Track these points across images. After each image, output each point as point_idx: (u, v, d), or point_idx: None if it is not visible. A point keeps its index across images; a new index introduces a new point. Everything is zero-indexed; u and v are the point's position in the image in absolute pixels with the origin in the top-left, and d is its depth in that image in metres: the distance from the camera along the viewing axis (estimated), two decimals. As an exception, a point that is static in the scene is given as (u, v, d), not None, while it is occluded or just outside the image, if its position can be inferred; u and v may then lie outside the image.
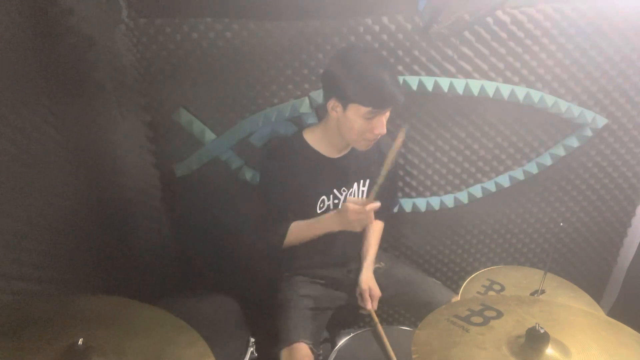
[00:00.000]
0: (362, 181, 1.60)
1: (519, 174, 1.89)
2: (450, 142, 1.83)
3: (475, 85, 1.68)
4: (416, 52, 1.64)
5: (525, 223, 2.05)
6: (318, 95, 1.65)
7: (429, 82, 1.66)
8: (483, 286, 1.59)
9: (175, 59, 1.58)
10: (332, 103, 1.40)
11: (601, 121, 1.80)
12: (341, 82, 1.35)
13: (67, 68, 1.49)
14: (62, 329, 0.98)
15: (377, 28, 1.59)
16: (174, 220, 1.91)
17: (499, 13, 1.60)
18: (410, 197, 1.94)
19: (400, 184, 1.90)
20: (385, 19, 1.58)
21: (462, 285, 1.59)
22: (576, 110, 1.76)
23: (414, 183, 1.91)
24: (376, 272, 1.70)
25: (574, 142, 1.83)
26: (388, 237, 2.00)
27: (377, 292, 1.63)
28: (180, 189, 1.83)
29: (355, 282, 1.66)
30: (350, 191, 1.59)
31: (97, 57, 1.53)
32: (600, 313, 1.53)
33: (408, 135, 1.80)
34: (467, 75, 1.69)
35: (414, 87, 1.66)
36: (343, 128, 1.43)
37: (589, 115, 1.77)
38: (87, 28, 1.48)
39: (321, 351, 1.54)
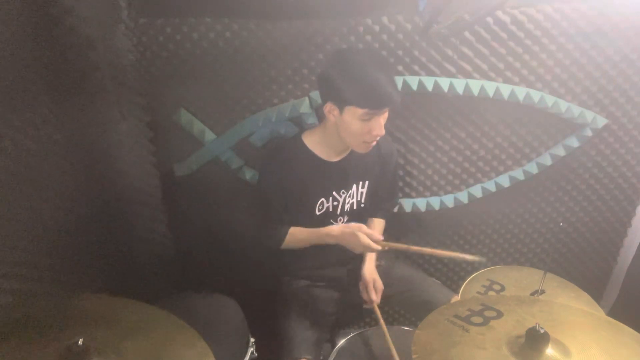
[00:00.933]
0: (361, 183, 1.61)
1: (519, 174, 1.89)
2: (450, 142, 1.83)
3: (475, 85, 1.68)
4: (416, 52, 1.64)
5: (525, 223, 2.05)
6: (318, 95, 1.65)
7: (429, 82, 1.66)
8: (483, 286, 1.59)
9: (175, 59, 1.58)
10: (328, 107, 1.40)
11: (601, 121, 1.80)
12: (335, 85, 1.35)
13: (67, 68, 1.49)
14: (62, 329, 0.97)
15: (377, 28, 1.59)
16: (174, 220, 1.91)
17: (499, 13, 1.60)
18: (410, 197, 1.94)
19: (400, 184, 1.90)
20: (385, 19, 1.58)
21: (462, 285, 1.60)
22: (576, 110, 1.76)
23: (414, 183, 1.91)
24: (376, 270, 1.70)
25: (574, 142, 1.83)
26: (388, 237, 1.99)
27: (380, 285, 1.63)
28: (180, 189, 1.83)
29: (355, 281, 1.65)
30: (349, 193, 1.59)
31: (97, 57, 1.53)
32: (600, 313, 1.53)
33: (408, 135, 1.80)
34: (467, 75, 1.69)
35: (414, 87, 1.66)
36: (341, 131, 1.43)
37: (589, 115, 1.77)
38: (87, 28, 1.48)
39: (321, 357, 1.54)
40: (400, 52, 1.63)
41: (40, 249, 1.35)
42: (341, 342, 1.53)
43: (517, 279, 1.63)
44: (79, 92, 1.54)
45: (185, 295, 1.68)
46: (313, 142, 1.53)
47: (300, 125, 1.72)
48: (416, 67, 1.66)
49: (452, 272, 2.16)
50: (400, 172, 1.87)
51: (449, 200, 1.93)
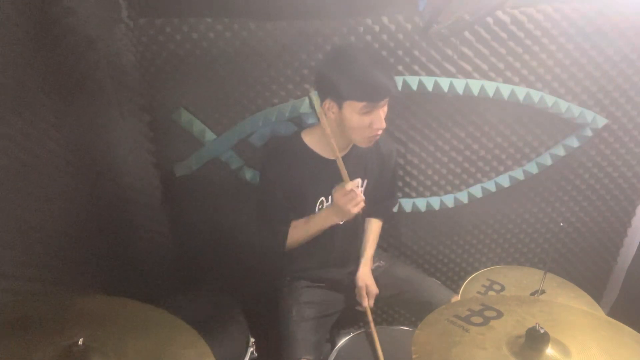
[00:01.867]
0: (360, 181, 1.60)
1: (519, 174, 1.89)
2: (450, 142, 1.83)
3: (475, 85, 1.68)
4: (416, 52, 1.64)
5: (525, 223, 2.05)
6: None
7: (429, 82, 1.66)
8: (483, 286, 1.59)
9: (175, 59, 1.58)
10: (327, 104, 1.40)
11: (601, 121, 1.80)
12: (332, 81, 1.35)
13: (67, 68, 1.49)
14: (62, 329, 0.97)
15: (377, 28, 1.59)
16: (174, 220, 1.91)
17: (499, 13, 1.60)
18: (410, 197, 1.94)
19: (400, 184, 1.90)
20: (385, 19, 1.58)
21: (462, 285, 1.60)
22: (576, 110, 1.76)
23: (414, 183, 1.91)
24: (376, 271, 1.70)
25: (574, 142, 1.83)
26: (388, 237, 2.00)
27: (374, 290, 1.63)
28: (180, 189, 1.83)
29: (355, 283, 1.65)
30: None
31: (97, 57, 1.53)
32: (600, 313, 1.53)
33: (408, 135, 1.81)
34: (467, 75, 1.69)
35: (414, 87, 1.66)
36: (342, 128, 1.43)
37: (589, 115, 1.77)
38: (87, 28, 1.48)
39: (322, 357, 1.54)
40: (400, 52, 1.63)
41: (40, 249, 1.35)
42: (341, 342, 1.53)
43: (517, 279, 1.63)
44: (79, 92, 1.54)
45: (185, 295, 1.68)
46: (312, 140, 1.53)
47: (300, 125, 1.72)
48: (416, 67, 1.66)
49: (452, 272, 2.16)
50: (400, 172, 1.87)
51: (449, 200, 1.93)
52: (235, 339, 1.49)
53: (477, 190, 1.92)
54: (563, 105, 1.74)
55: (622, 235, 2.11)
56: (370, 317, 1.56)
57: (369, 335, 1.53)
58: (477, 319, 1.07)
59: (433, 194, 1.94)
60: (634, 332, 1.05)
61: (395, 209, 1.90)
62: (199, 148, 1.74)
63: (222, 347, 1.25)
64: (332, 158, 1.54)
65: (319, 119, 1.42)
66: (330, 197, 1.57)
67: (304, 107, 1.67)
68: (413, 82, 1.65)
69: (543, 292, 1.52)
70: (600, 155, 1.89)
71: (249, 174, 1.80)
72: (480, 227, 2.04)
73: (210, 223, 1.88)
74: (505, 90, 1.69)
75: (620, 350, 1.00)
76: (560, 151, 1.85)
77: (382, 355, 1.42)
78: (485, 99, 1.72)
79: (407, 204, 1.92)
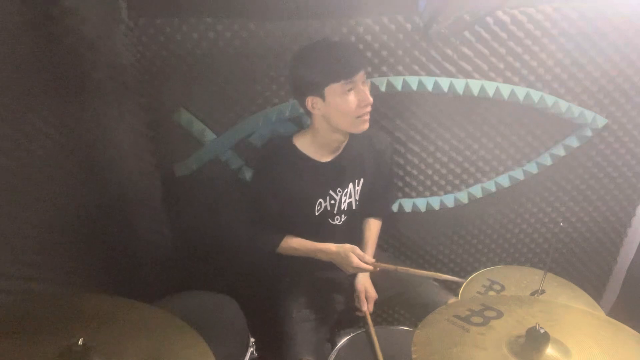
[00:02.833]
0: (356, 181, 1.61)
1: (519, 174, 1.89)
2: (450, 142, 1.83)
3: (475, 85, 1.68)
4: (416, 52, 1.64)
5: (525, 223, 2.05)
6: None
7: (429, 82, 1.66)
8: (483, 286, 1.59)
9: (175, 59, 1.58)
10: (309, 102, 1.41)
11: (601, 121, 1.80)
12: (304, 77, 1.38)
13: (67, 68, 1.49)
14: (62, 329, 0.97)
15: (377, 28, 1.59)
16: (174, 220, 1.91)
17: (499, 13, 1.60)
18: (410, 197, 1.94)
19: (400, 184, 1.90)
20: (385, 19, 1.58)
21: (462, 285, 1.59)
22: (576, 110, 1.76)
23: (414, 183, 1.91)
24: (375, 273, 1.69)
25: (574, 142, 1.83)
26: (388, 237, 2.00)
27: (372, 294, 1.63)
28: (180, 189, 1.83)
29: (354, 285, 1.65)
30: (345, 191, 1.59)
31: (97, 57, 1.53)
32: (600, 313, 1.53)
33: (408, 135, 1.81)
34: (467, 75, 1.69)
35: (414, 87, 1.66)
36: (333, 118, 1.42)
37: (589, 115, 1.77)
38: (87, 28, 1.48)
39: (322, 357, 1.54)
40: (400, 52, 1.63)
41: (40, 249, 1.35)
42: (341, 342, 1.53)
43: (517, 279, 1.63)
44: (79, 92, 1.54)
45: (185, 295, 1.68)
46: (304, 143, 1.53)
47: (300, 125, 1.72)
48: (416, 67, 1.66)
49: (452, 272, 2.16)
50: (400, 172, 1.87)
51: (449, 200, 1.93)
52: (235, 339, 1.49)
53: (477, 190, 1.92)
54: (563, 105, 1.74)
55: (622, 235, 2.11)
56: (369, 322, 1.56)
57: (369, 336, 1.53)
58: (477, 319, 1.07)
59: (433, 194, 1.94)
60: (634, 332, 1.05)
61: (395, 209, 1.90)
62: (199, 148, 1.74)
63: (222, 347, 1.25)
64: (325, 160, 1.54)
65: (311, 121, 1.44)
66: (327, 197, 1.57)
67: (304, 107, 1.67)
68: (413, 82, 1.65)
69: (543, 292, 1.51)
70: (600, 155, 1.89)
71: (249, 174, 1.80)
72: (480, 227, 2.04)
73: (210, 223, 1.88)
74: (505, 90, 1.69)
75: (620, 350, 1.00)
76: (560, 151, 1.85)
77: (381, 358, 1.42)
78: (485, 99, 1.72)
79: (407, 204, 1.92)
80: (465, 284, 1.58)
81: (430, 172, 1.89)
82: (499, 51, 1.66)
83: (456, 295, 1.61)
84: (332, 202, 1.58)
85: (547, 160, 1.87)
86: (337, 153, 1.55)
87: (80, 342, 0.89)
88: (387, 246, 2.03)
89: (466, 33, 1.63)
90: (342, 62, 1.36)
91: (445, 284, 2.06)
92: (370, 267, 1.50)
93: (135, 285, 1.88)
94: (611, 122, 1.82)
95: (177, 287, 1.95)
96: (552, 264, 2.12)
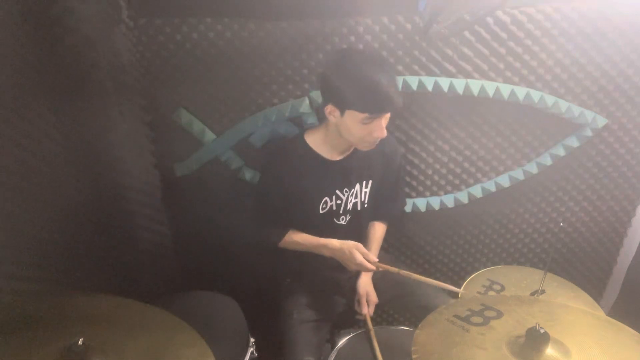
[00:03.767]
0: (364, 182, 1.60)
1: (519, 174, 1.89)
2: (450, 142, 1.83)
3: (475, 85, 1.68)
4: (416, 52, 1.64)
5: (525, 223, 2.05)
6: (318, 95, 1.65)
7: (429, 82, 1.66)
8: (483, 286, 1.59)
9: (175, 59, 1.58)
10: (329, 108, 1.40)
11: (601, 121, 1.80)
12: (336, 88, 1.35)
13: (67, 68, 1.49)
14: (62, 329, 0.98)
15: (377, 28, 1.59)
16: (174, 220, 1.91)
17: (499, 13, 1.60)
18: (410, 197, 1.93)
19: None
20: (385, 19, 1.58)
21: (462, 286, 1.59)
22: (576, 110, 1.76)
23: (414, 183, 1.91)
24: (375, 275, 1.69)
25: (574, 142, 1.83)
26: (388, 237, 1.99)
27: (373, 298, 1.62)
28: (180, 189, 1.83)
29: (355, 287, 1.65)
30: (352, 192, 1.59)
31: (97, 57, 1.53)
32: (600, 313, 1.53)
33: (408, 135, 1.80)
34: (467, 75, 1.69)
35: (414, 87, 1.66)
36: (343, 132, 1.43)
37: (589, 115, 1.77)
38: (87, 28, 1.48)
39: (322, 357, 1.54)
40: (400, 52, 1.63)
41: (40, 249, 1.35)
42: (341, 342, 1.53)
43: (517, 279, 1.63)
44: (79, 92, 1.54)
45: (185, 295, 1.68)
46: (315, 141, 1.53)
47: (300, 125, 1.72)
48: (416, 67, 1.66)
49: (452, 272, 2.16)
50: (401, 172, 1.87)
51: (449, 200, 1.93)
52: (235, 339, 1.49)
53: (477, 190, 1.92)
54: (563, 105, 1.74)
55: (622, 235, 2.11)
56: (370, 325, 1.55)
57: (369, 339, 1.53)
58: (477, 319, 1.07)
59: (433, 194, 1.94)
60: (634, 332, 1.05)
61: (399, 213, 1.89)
62: (199, 148, 1.74)
63: (222, 347, 1.25)
64: (336, 159, 1.54)
65: (319, 120, 1.43)
66: (334, 197, 1.56)
67: (304, 107, 1.67)
68: (413, 82, 1.65)
69: (543, 292, 1.52)
70: (600, 155, 1.89)
71: (249, 174, 1.80)
72: (480, 227, 2.04)
73: (210, 223, 1.88)
74: (505, 90, 1.69)
75: (620, 350, 1.00)
76: (560, 151, 1.85)
77: None
78: (485, 99, 1.72)
79: (407, 204, 1.92)
80: (465, 283, 1.58)
81: (430, 172, 1.89)
82: (499, 51, 1.66)
83: (456, 296, 1.61)
84: (339, 201, 1.58)
85: (547, 160, 1.87)
86: (348, 153, 1.55)
87: (80, 342, 0.90)
88: (387, 246, 2.03)
89: (466, 33, 1.63)
90: (376, 98, 1.32)
91: (443, 281, 2.06)
92: (373, 267, 1.50)
93: (135, 285, 1.88)
94: (611, 122, 1.82)
95: (177, 287, 1.96)
96: (552, 264, 2.11)
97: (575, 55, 1.68)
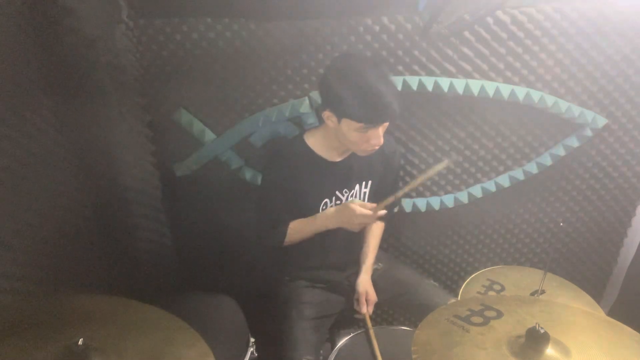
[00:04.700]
0: (364, 183, 1.60)
1: (519, 174, 1.89)
2: (450, 142, 1.83)
3: (475, 85, 1.68)
4: (416, 52, 1.64)
5: (525, 223, 2.05)
6: (318, 95, 1.65)
7: (429, 82, 1.66)
8: (483, 286, 1.59)
9: (175, 59, 1.58)
10: (327, 114, 1.40)
11: (601, 121, 1.80)
12: (334, 95, 1.34)
13: (67, 68, 1.49)
14: (62, 329, 0.97)
15: (377, 28, 1.59)
16: (174, 220, 1.91)
17: (499, 13, 1.60)
18: (410, 197, 1.94)
19: (400, 184, 1.90)
20: (385, 19, 1.58)
21: (462, 286, 1.59)
22: (576, 110, 1.76)
23: (414, 183, 1.91)
24: (374, 274, 1.69)
25: (574, 142, 1.83)
26: (388, 237, 2.00)
27: (373, 297, 1.62)
28: (180, 189, 1.83)
29: (354, 286, 1.65)
30: (351, 192, 1.59)
31: (97, 57, 1.53)
32: (600, 313, 1.53)
33: (408, 135, 1.81)
34: (467, 75, 1.69)
35: (414, 87, 1.66)
36: (340, 137, 1.43)
37: (589, 115, 1.77)
38: (87, 28, 1.48)
39: (321, 357, 1.54)
40: (400, 52, 1.63)
41: (40, 249, 1.35)
42: (341, 342, 1.53)
43: (517, 279, 1.63)
44: (79, 92, 1.54)
45: (185, 295, 1.68)
46: (315, 142, 1.53)
47: (300, 125, 1.72)
48: (416, 67, 1.66)
49: (451, 271, 2.16)
50: (401, 172, 1.87)
51: (449, 200, 1.93)
52: (235, 339, 1.49)
53: (477, 190, 1.92)
54: (563, 105, 1.74)
55: (622, 235, 2.11)
56: (369, 324, 1.55)
57: (368, 338, 1.53)
58: (477, 319, 1.07)
59: (433, 194, 1.95)
60: (634, 332, 1.05)
61: (395, 209, 1.90)
62: (199, 148, 1.74)
63: (222, 347, 1.25)
64: (336, 160, 1.54)
65: (319, 120, 1.42)
66: (333, 198, 1.56)
67: (304, 107, 1.67)
68: (413, 82, 1.65)
69: (543, 292, 1.52)
70: (600, 155, 1.90)
71: (249, 174, 1.80)
72: (480, 227, 2.04)
73: (210, 223, 1.88)
74: (505, 90, 1.69)
75: (620, 350, 1.00)
76: (560, 151, 1.85)
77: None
78: (485, 99, 1.72)
79: (407, 204, 1.92)
80: (465, 283, 1.58)
81: (430, 172, 1.89)
82: (499, 51, 1.66)
83: (456, 295, 1.61)
84: (338, 202, 1.58)
85: (547, 160, 1.87)
86: (347, 154, 1.55)
87: (80, 342, 0.90)
88: (387, 246, 2.03)
89: (466, 33, 1.63)
90: (374, 109, 1.31)
91: (444, 281, 2.07)
92: (373, 213, 1.45)
93: (135, 285, 1.88)
94: (611, 122, 1.82)
95: (177, 287, 1.96)
96: (552, 264, 2.12)
97: (575, 55, 1.68)
